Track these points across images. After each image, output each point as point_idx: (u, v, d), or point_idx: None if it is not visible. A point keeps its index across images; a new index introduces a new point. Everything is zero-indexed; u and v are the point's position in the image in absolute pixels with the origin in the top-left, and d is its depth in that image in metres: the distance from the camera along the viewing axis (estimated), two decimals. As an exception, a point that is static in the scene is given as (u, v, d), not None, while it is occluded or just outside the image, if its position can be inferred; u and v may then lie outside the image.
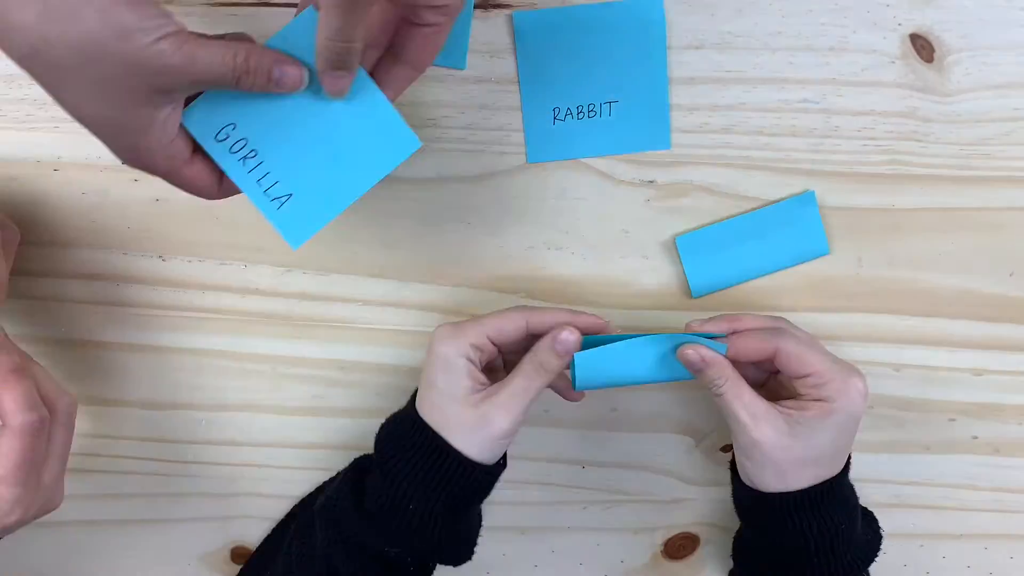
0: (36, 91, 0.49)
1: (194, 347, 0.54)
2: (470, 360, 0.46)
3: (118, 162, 0.51)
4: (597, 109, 0.49)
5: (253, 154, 0.41)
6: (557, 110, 0.49)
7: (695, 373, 0.46)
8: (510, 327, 0.47)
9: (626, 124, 0.50)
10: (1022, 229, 0.52)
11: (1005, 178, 0.51)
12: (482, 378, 0.47)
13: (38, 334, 0.54)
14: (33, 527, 0.57)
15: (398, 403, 0.49)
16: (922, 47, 0.49)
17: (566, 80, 0.49)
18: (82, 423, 0.55)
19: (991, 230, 0.52)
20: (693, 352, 0.45)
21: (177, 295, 0.53)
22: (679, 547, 0.58)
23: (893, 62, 0.49)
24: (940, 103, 0.50)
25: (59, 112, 0.49)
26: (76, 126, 0.50)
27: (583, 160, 0.51)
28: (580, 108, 0.49)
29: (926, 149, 0.51)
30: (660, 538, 0.58)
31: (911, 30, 0.49)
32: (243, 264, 0.53)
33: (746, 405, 0.45)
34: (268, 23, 0.48)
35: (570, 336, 0.45)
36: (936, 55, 0.49)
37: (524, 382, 0.46)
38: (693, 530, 0.57)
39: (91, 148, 0.50)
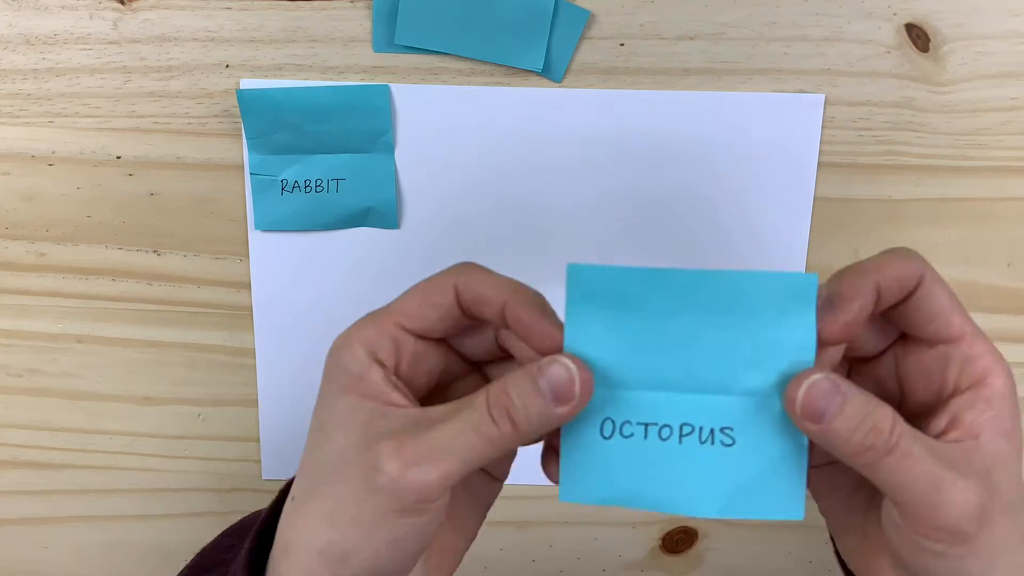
0: (30, 85, 0.50)
1: (190, 341, 0.54)
2: (376, 361, 0.33)
3: (113, 156, 0.51)
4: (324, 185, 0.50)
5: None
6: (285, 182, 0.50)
7: (811, 423, 0.30)
8: (433, 300, 0.33)
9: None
10: (1019, 219, 0.52)
11: (1002, 168, 0.51)
12: (397, 398, 0.32)
13: (31, 330, 0.54)
14: (23, 524, 0.57)
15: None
16: (917, 37, 0.49)
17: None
18: (77, 418, 0.55)
19: (988, 220, 0.52)
20: (816, 385, 0.30)
21: (172, 290, 0.53)
22: (677, 541, 0.58)
23: (888, 52, 0.49)
24: (936, 93, 0.50)
25: (54, 106, 0.50)
26: (71, 120, 0.50)
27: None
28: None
29: (922, 139, 0.50)
30: (658, 532, 0.57)
31: (906, 20, 0.49)
32: (238, 259, 0.52)
33: (933, 457, 0.30)
34: (263, 18, 0.48)
35: (564, 372, 0.31)
36: (932, 44, 0.49)
37: (463, 436, 0.31)
38: (691, 524, 0.57)
39: (86, 142, 0.50)
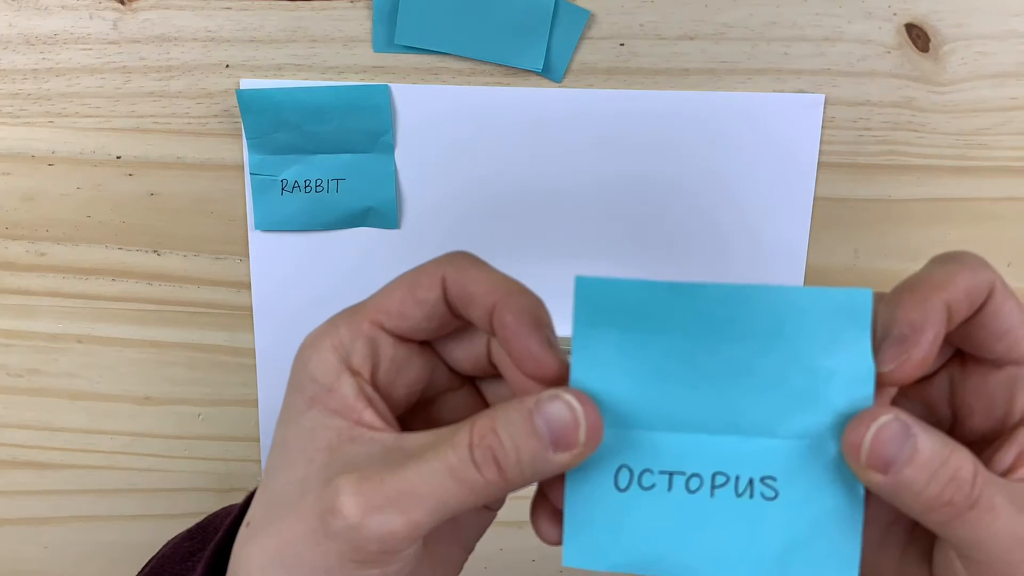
0: (30, 85, 0.50)
1: (190, 342, 0.54)
2: (348, 368, 0.29)
3: (113, 156, 0.51)
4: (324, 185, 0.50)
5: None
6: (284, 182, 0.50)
7: (877, 473, 0.25)
8: (418, 296, 0.29)
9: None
10: (1019, 219, 0.52)
11: (1002, 168, 0.51)
12: (369, 417, 0.28)
13: (31, 330, 0.54)
14: (23, 524, 0.57)
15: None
16: (917, 37, 0.49)
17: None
18: (77, 418, 0.55)
19: (988, 221, 0.52)
20: (885, 430, 0.25)
21: (172, 290, 0.53)
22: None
23: (888, 52, 0.49)
24: (936, 93, 0.50)
25: (54, 106, 0.50)
26: (71, 120, 0.50)
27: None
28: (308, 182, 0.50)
29: (922, 139, 0.50)
30: (658, 532, 0.57)
31: (906, 20, 0.49)
32: (238, 259, 0.52)
33: (1015, 508, 0.26)
34: (263, 18, 0.48)
35: (567, 412, 0.26)
36: (932, 44, 0.49)
37: (437, 480, 0.26)
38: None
39: (86, 142, 0.50)
